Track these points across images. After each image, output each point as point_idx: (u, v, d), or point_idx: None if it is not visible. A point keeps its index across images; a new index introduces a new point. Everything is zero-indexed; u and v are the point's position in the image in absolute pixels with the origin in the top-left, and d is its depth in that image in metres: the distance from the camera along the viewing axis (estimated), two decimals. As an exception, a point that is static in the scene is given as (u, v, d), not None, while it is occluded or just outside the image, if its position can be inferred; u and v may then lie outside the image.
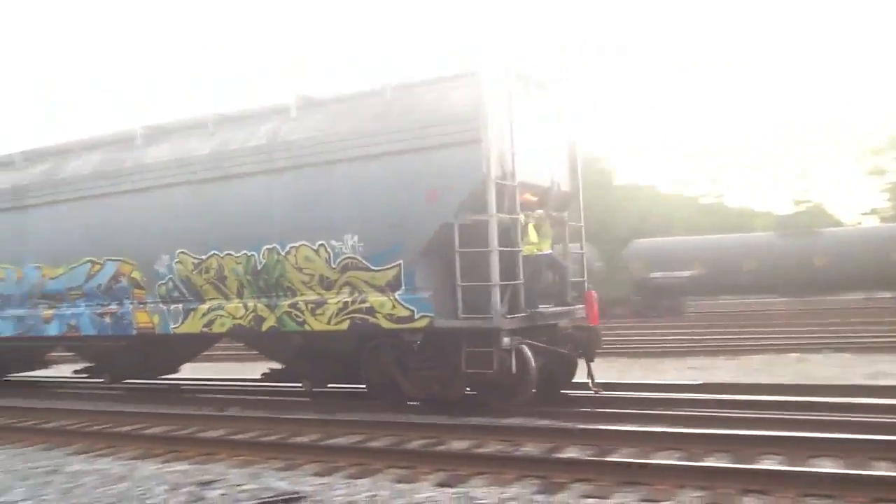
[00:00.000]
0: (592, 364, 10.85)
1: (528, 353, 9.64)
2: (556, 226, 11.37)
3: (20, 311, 14.11)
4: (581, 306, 11.07)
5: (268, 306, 11.15)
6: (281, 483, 7.47)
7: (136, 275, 12.43)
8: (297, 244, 10.76)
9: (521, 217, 10.12)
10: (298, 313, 10.85)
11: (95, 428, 10.87)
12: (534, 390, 9.92)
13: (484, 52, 10.77)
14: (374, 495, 6.78)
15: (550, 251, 10.97)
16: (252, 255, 11.18)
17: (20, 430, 10.96)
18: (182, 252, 11.80)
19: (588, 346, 10.82)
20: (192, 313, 11.92)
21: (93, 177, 13.01)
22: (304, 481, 7.56)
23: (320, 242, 10.57)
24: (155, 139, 12.77)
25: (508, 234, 9.97)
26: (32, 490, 7.73)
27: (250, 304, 11.30)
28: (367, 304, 10.27)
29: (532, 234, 10.39)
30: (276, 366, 12.85)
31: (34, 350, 15.55)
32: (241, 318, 11.40)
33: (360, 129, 10.44)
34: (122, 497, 7.33)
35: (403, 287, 10.01)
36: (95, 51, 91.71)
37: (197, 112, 12.72)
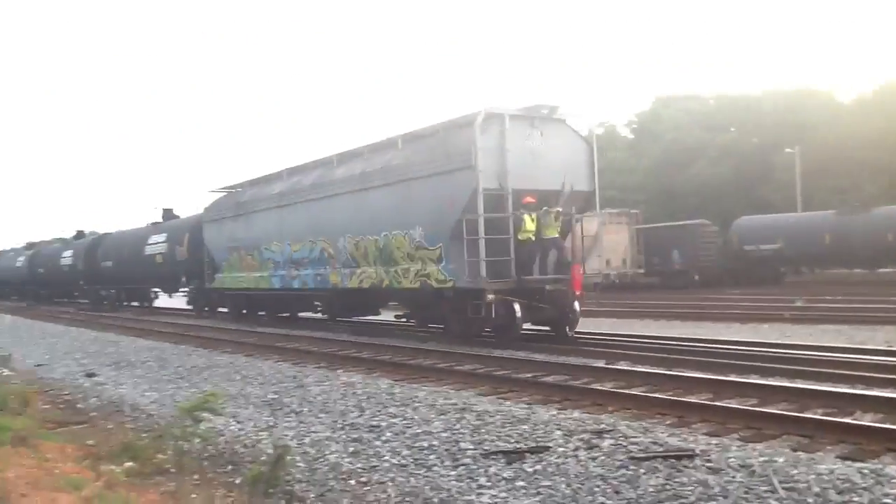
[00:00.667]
0: (573, 318, 15.52)
1: (515, 305, 14.52)
2: (561, 218, 15.36)
3: (282, 272, 21.73)
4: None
5: (385, 272, 17.23)
6: (671, 439, 7.50)
7: (330, 250, 19.32)
8: (395, 232, 16.77)
9: (517, 213, 14.76)
10: (397, 276, 16.79)
11: (499, 373, 11.87)
12: (537, 330, 16.09)
13: (484, 102, 16.04)
14: (770, 461, 6.47)
15: (556, 236, 15.32)
16: (378, 238, 17.31)
17: (440, 371, 12.39)
18: (349, 235, 18.38)
19: (564, 306, 15.32)
20: (353, 275, 18.48)
21: (311, 188, 20.22)
22: (694, 440, 7.50)
23: (406, 231, 16.38)
24: (341, 162, 19.45)
25: (499, 226, 14.69)
26: (448, 424, 8.74)
27: (379, 270, 17.42)
28: (427, 271, 15.84)
29: (529, 225, 14.76)
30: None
31: (288, 298, 23.05)
32: (374, 278, 17.61)
33: (419, 159, 16.09)
34: (524, 438, 7.97)
35: (444, 261, 15.41)
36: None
37: (357, 142, 19.63)
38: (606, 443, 7.48)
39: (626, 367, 11.89)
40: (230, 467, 8.30)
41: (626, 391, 10.01)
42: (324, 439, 8.78)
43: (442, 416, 9.08)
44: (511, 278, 14.68)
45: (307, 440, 8.84)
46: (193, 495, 7.32)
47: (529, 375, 11.50)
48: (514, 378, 11.26)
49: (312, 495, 7.16)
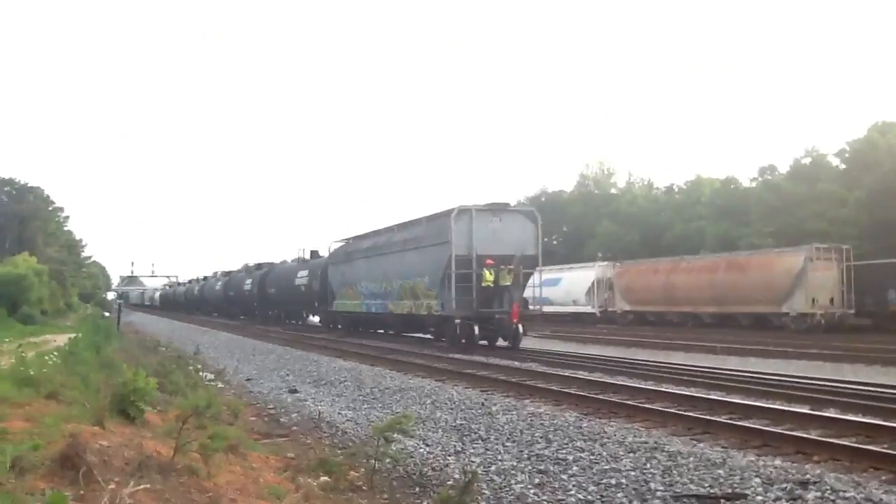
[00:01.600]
0: (517, 337, 23.33)
1: (475, 327, 22.66)
2: (516, 273, 22.86)
3: (367, 301, 30.49)
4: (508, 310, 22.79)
5: (413, 304, 25.83)
6: (886, 496, 6.84)
7: (388, 288, 27.82)
8: (417, 279, 25.30)
9: (478, 271, 22.55)
10: (418, 307, 25.17)
11: (693, 413, 11.33)
12: (481, 343, 23.21)
13: (459, 200, 25.82)
14: None
15: (509, 284, 22.63)
16: (411, 282, 25.84)
17: (630, 407, 12.03)
18: (396, 279, 26.99)
19: (506, 329, 23.08)
20: (399, 305, 27.11)
21: (380, 247, 29.26)
22: (914, 498, 6.78)
23: (418, 279, 25.12)
24: (393, 231, 28.58)
25: (468, 277, 22.55)
26: (637, 462, 8.47)
27: (408, 302, 26.25)
28: (431, 304, 24.14)
29: (488, 277, 22.37)
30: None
31: (370, 319, 31.92)
32: (409, 307, 26.19)
33: (419, 237, 25.44)
34: (719, 483, 7.55)
35: (437, 299, 23.66)
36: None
37: (404, 216, 29.69)
38: (811, 495, 6.94)
39: (834, 415, 10.98)
40: (418, 489, 8.49)
41: (836, 441, 9.23)
42: (510, 468, 8.77)
43: (631, 454, 8.81)
44: (472, 310, 22.81)
45: (493, 468, 8.87)
46: (383, 514, 7.56)
47: (726, 418, 10.90)
48: (709, 420, 10.70)
49: (497, 524, 7.17)
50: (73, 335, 23.42)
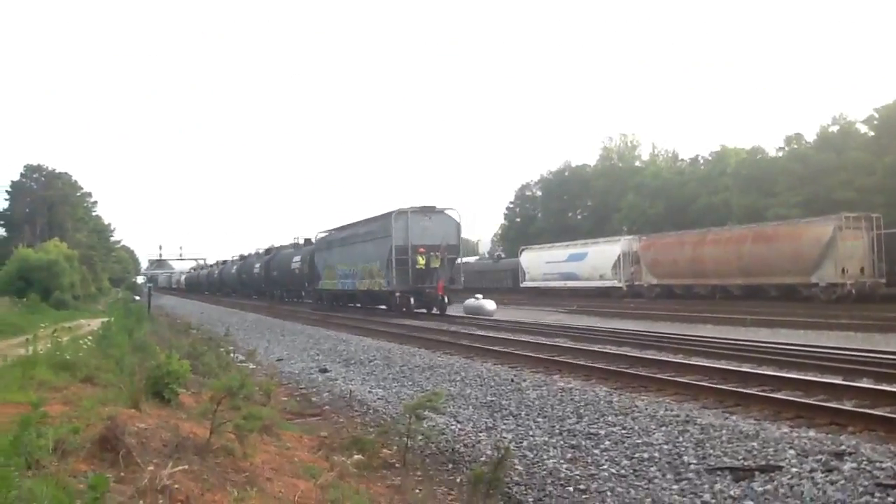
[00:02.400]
0: (443, 305, 30.21)
1: (410, 298, 30.39)
2: (441, 258, 29.59)
3: (342, 281, 37.00)
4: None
5: (370, 282, 32.86)
6: (922, 467, 6.77)
7: (355, 270, 34.67)
8: (373, 263, 32.40)
9: (413, 256, 29.67)
10: (374, 284, 32.25)
11: (724, 386, 11.27)
12: (422, 311, 30.84)
13: (399, 205, 31.19)
14: None
15: (437, 266, 29.41)
16: (369, 265, 32.96)
17: (659, 381, 12.00)
18: (360, 263, 34.04)
19: (435, 300, 29.94)
20: (363, 283, 33.90)
21: (349, 237, 36.75)
22: (953, 468, 6.72)
23: (373, 263, 32.37)
24: (358, 225, 36.45)
25: (407, 259, 29.55)
26: (669, 436, 8.46)
27: (367, 281, 33.35)
28: (379, 282, 31.69)
29: (420, 261, 29.34)
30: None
31: (344, 295, 39.17)
32: (369, 285, 33.06)
33: (373, 231, 33.09)
34: (752, 455, 7.53)
35: (385, 278, 30.72)
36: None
37: (368, 212, 36.87)
38: (847, 466, 6.89)
39: (868, 386, 10.88)
40: (451, 465, 8.56)
41: (871, 411, 9.13)
42: (541, 444, 8.81)
43: (663, 428, 8.80)
44: (409, 286, 30.09)
45: (525, 444, 8.91)
46: (417, 490, 7.63)
47: (757, 390, 10.83)
48: (741, 392, 10.63)
49: (531, 499, 7.22)
50: (105, 319, 23.76)
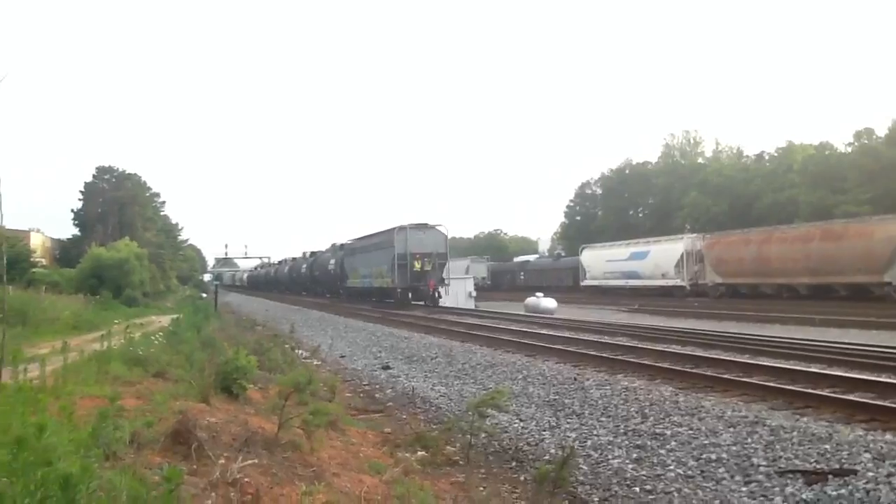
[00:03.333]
0: (435, 299, 36.75)
1: (409, 293, 37.15)
2: (433, 263, 36.16)
3: (364, 280, 42.83)
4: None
5: (381, 280, 38.77)
6: None
7: (371, 272, 40.65)
8: (381, 266, 38.63)
9: (414, 260, 35.95)
10: (384, 282, 38.28)
11: (794, 387, 10.99)
12: (419, 302, 37.11)
13: (402, 221, 37.56)
14: None
15: (428, 270, 36.05)
16: (378, 268, 39.34)
17: (725, 381, 11.78)
18: (374, 266, 40.16)
19: (427, 295, 36.67)
20: (375, 281, 40.18)
21: (368, 246, 42.23)
22: None
23: (383, 266, 38.20)
24: (373, 235, 42.44)
25: (406, 264, 35.76)
26: (738, 437, 8.30)
27: (379, 280, 39.14)
28: (387, 280, 37.72)
29: (416, 265, 35.83)
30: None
31: (365, 291, 43.19)
32: (381, 283, 38.94)
33: (382, 242, 39.17)
34: (825, 458, 7.34)
35: (390, 278, 36.93)
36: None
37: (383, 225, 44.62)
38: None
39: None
40: (514, 463, 8.55)
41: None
42: (606, 443, 8.75)
43: (731, 429, 8.64)
44: (407, 284, 36.07)
45: (589, 443, 8.86)
46: (481, 488, 7.65)
47: (829, 391, 10.54)
48: (811, 393, 10.36)
49: (596, 499, 7.17)
50: (174, 316, 24.39)
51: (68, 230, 67.90)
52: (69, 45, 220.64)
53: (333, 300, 47.66)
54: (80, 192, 66.08)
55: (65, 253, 60.49)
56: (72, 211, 65.57)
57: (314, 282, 60.47)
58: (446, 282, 38.32)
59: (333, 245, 56.74)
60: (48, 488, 3.28)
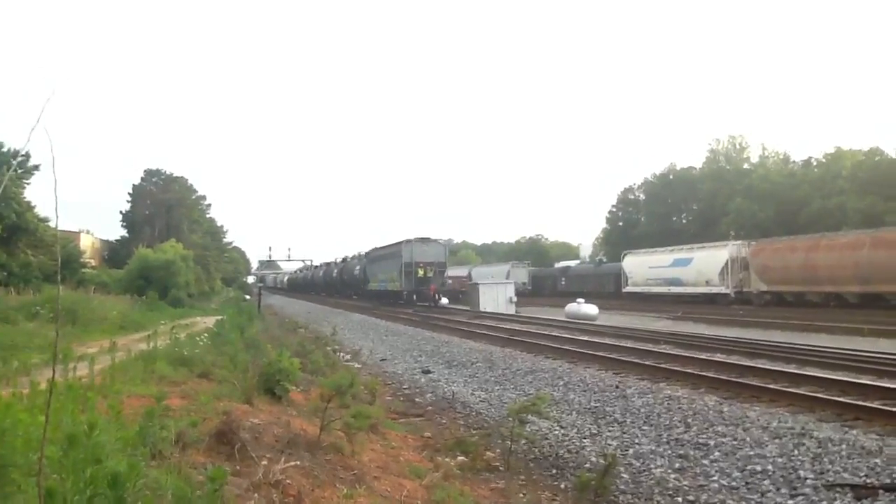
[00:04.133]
0: (437, 301, 43.64)
1: (414, 295, 44.51)
2: (434, 270, 44.02)
3: (381, 283, 50.16)
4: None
5: (393, 283, 46.63)
6: None
7: (386, 277, 48.45)
8: (392, 272, 46.44)
9: (415, 269, 43.79)
10: (393, 286, 46.61)
11: (843, 399, 10.75)
12: (423, 303, 43.69)
13: (409, 234, 46.11)
14: None
15: (430, 276, 43.69)
16: (390, 273, 47.08)
17: (771, 391, 11.57)
18: (389, 271, 47.89)
19: (429, 297, 43.46)
20: (389, 285, 47.99)
21: (384, 255, 50.56)
22: None
23: (393, 272, 46.00)
24: (388, 246, 50.86)
25: (412, 271, 43.72)
26: (784, 448, 8.15)
27: (391, 284, 47.13)
28: (396, 285, 45.72)
29: (420, 272, 43.56)
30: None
31: (381, 294, 50.34)
32: (393, 286, 46.43)
33: (393, 252, 46.89)
34: (875, 472, 7.17)
35: (399, 282, 44.88)
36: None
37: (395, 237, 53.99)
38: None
39: None
40: (555, 471, 8.50)
41: None
42: (648, 452, 8.65)
43: (776, 440, 8.49)
44: (413, 288, 43.53)
45: (631, 451, 8.77)
46: (521, 495, 7.62)
47: (879, 403, 10.28)
48: (861, 405, 10.12)
49: (637, 508, 7.09)
50: (218, 317, 24.72)
51: (116, 231, 69.25)
52: (118, 50, 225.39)
53: (375, 304, 49.22)
54: (129, 194, 67.37)
55: (113, 254, 61.68)
56: (120, 213, 66.88)
57: (343, 285, 68.30)
58: (446, 286, 48.09)
59: (359, 253, 64.25)
60: (97, 486, 3.34)
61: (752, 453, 8.11)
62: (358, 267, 60.26)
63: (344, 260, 71.55)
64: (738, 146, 79.50)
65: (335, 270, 73.08)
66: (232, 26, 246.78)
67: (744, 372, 13.86)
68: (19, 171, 34.47)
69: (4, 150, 36.15)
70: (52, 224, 36.31)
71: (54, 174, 3.23)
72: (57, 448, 3.68)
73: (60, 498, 3.23)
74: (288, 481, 5.78)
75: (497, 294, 44.63)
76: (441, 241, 47.07)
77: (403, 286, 43.99)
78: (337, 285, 71.30)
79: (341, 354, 20.23)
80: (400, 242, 45.52)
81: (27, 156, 35.21)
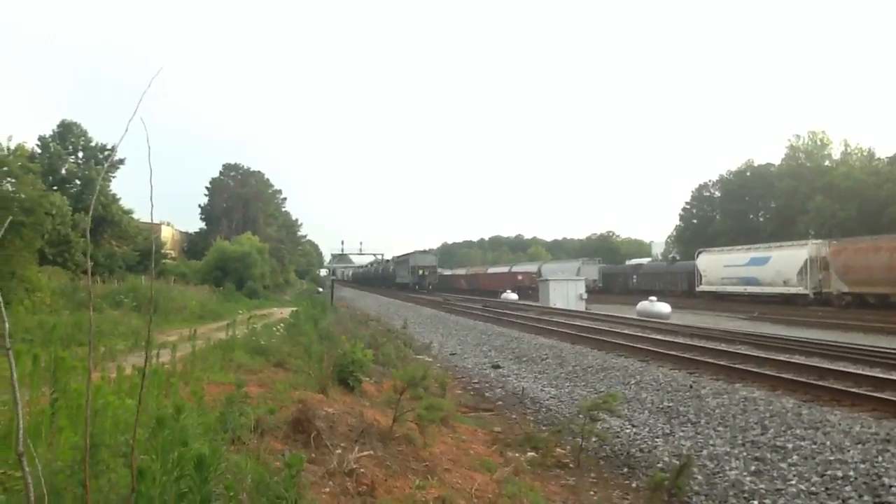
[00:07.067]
0: (427, 290, 71.65)
1: (416, 286, 72.29)
2: (428, 270, 74.44)
3: (400, 277, 78.34)
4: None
5: (405, 278, 75.66)
6: None
7: (406, 272, 77.53)
8: (404, 270, 76.90)
9: (419, 269, 73.71)
10: (405, 280, 75.13)
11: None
12: (422, 290, 70.65)
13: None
14: None
15: (426, 274, 74.06)
16: (404, 271, 77.96)
17: (854, 395, 11.20)
18: (404, 271, 78.34)
19: (426, 287, 72.77)
20: (405, 278, 75.70)
21: (404, 261, 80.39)
22: None
23: (405, 271, 76.95)
24: (405, 255, 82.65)
25: (416, 271, 74.30)
26: (867, 454, 7.89)
27: (405, 278, 75.41)
28: (407, 278, 75.09)
29: (420, 272, 73.34)
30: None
31: (402, 285, 75.85)
32: (407, 279, 74.33)
33: (406, 259, 78.86)
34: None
35: (408, 278, 74.86)
36: None
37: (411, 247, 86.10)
38: None
39: None
40: (626, 469, 8.42)
41: None
42: (723, 454, 8.49)
43: (859, 445, 8.22)
44: (416, 280, 72.22)
45: (705, 452, 8.62)
46: (591, 492, 7.58)
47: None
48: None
49: (711, 510, 6.98)
50: (293, 309, 25.22)
51: (195, 224, 71.38)
52: (199, 48, 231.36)
53: (447, 297, 59.32)
54: (207, 187, 69.39)
55: (192, 245, 63.59)
56: (199, 206, 68.90)
57: (382, 279, 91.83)
58: (435, 281, 74.22)
59: (394, 256, 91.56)
60: (184, 467, 3.47)
61: (832, 458, 7.88)
62: (392, 267, 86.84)
63: (387, 261, 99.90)
64: (818, 142, 76.96)
65: (381, 268, 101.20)
66: (307, 21, 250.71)
67: (824, 375, 13.45)
68: (107, 165, 35.79)
69: (93, 144, 37.60)
70: (135, 216, 37.71)
71: (150, 165, 3.36)
72: (145, 430, 3.84)
73: (150, 477, 3.37)
74: (361, 470, 5.89)
75: (567, 290, 44.11)
76: (433, 251, 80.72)
77: (411, 280, 71.44)
78: (380, 279, 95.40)
79: (412, 347, 20.40)
80: (409, 253, 75.54)
81: (113, 149, 36.57)
